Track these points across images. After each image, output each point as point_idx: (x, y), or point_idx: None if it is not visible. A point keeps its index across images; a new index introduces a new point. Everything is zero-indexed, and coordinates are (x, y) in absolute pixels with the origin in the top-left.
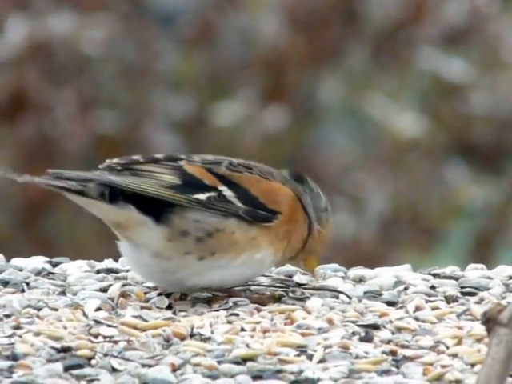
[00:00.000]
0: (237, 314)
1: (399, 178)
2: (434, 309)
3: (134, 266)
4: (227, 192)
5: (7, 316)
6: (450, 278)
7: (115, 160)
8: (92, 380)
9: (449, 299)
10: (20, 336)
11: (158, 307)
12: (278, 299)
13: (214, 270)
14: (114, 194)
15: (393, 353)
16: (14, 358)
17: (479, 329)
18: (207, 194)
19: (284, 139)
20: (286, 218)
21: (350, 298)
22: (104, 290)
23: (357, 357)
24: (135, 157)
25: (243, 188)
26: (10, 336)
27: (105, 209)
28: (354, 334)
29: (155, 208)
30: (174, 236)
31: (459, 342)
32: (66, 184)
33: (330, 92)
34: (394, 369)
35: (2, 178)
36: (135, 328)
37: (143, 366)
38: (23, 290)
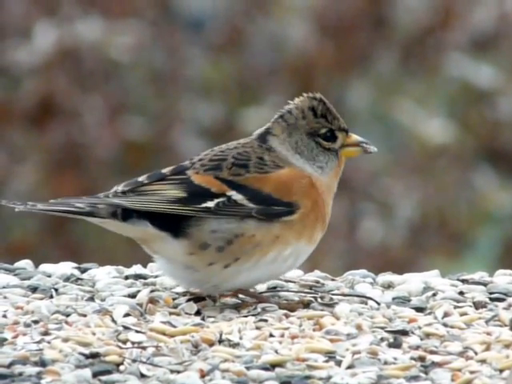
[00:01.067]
0: (265, 320)
1: (427, 184)
2: (462, 315)
3: (170, 276)
4: (236, 196)
5: (36, 322)
6: (479, 283)
7: (121, 186)
8: None
9: (477, 305)
10: (48, 342)
11: (186, 313)
12: (306, 305)
13: (243, 273)
14: (127, 213)
15: (421, 359)
16: (43, 364)
17: (508, 334)
18: (216, 201)
19: None
20: (310, 204)
21: (378, 303)
22: (132, 295)
23: (385, 363)
24: (140, 178)
25: (253, 189)
26: (39, 342)
27: (119, 226)
28: (382, 339)
29: (171, 223)
30: (195, 249)
31: (488, 348)
32: (73, 207)
33: (359, 98)
34: (422, 375)
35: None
36: (164, 334)
37: (172, 371)
38: (52, 296)
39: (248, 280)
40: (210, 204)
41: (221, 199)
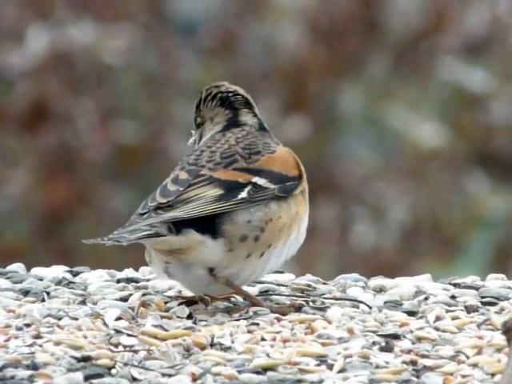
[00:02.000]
0: (257, 324)
1: (420, 188)
2: (454, 319)
3: (186, 282)
4: (260, 180)
5: (27, 325)
6: (471, 287)
7: (150, 202)
8: None
9: (469, 309)
10: (40, 345)
11: (178, 317)
12: (298, 309)
13: (272, 260)
14: (178, 226)
15: (413, 363)
16: (35, 367)
17: (499, 339)
18: (246, 190)
19: (305, 149)
20: (302, 175)
21: (370, 307)
22: (124, 299)
23: (377, 367)
24: (172, 188)
25: (267, 170)
26: (31, 345)
27: (173, 241)
28: (374, 343)
29: (208, 224)
30: (234, 245)
31: (479, 352)
32: (145, 233)
33: (351, 102)
34: (414, 379)
35: (21, 186)
36: (155, 337)
37: (163, 375)
38: (43, 300)
39: (273, 267)
40: (244, 195)
41: (249, 187)
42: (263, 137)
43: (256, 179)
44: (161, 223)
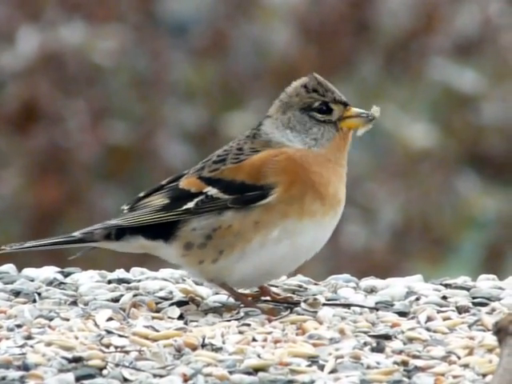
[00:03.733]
0: (248, 325)
1: (411, 188)
2: (445, 319)
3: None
4: (212, 191)
5: (19, 326)
6: (462, 288)
7: (125, 206)
8: None
9: (460, 309)
10: (31, 346)
11: (169, 317)
12: (289, 309)
13: (239, 264)
14: (121, 232)
15: (404, 363)
16: (26, 368)
17: (491, 339)
18: (195, 200)
19: None
20: (288, 179)
21: (375, 309)
22: (115, 300)
23: (368, 367)
24: (141, 194)
25: (227, 180)
26: (22, 346)
27: (115, 246)
28: (365, 344)
29: (162, 231)
30: (183, 251)
31: (471, 353)
32: (62, 238)
33: None
34: (405, 379)
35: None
36: (146, 338)
37: (154, 376)
38: (35, 300)
39: (249, 270)
40: (190, 205)
41: (200, 197)
42: (246, 144)
43: (208, 189)
44: (102, 229)
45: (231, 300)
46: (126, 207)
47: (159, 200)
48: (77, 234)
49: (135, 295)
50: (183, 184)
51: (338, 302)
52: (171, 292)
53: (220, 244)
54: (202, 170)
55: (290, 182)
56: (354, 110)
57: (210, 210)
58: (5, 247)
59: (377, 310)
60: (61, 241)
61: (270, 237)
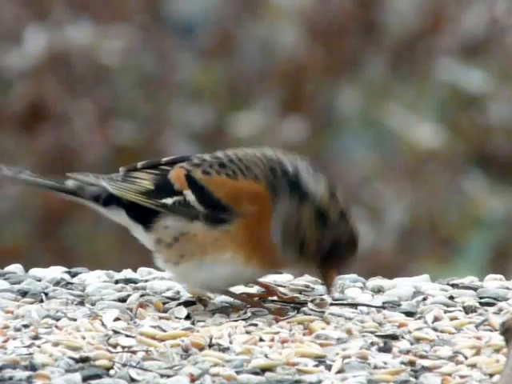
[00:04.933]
0: (255, 325)
1: (418, 188)
2: (452, 319)
3: None
4: (190, 196)
5: (26, 326)
6: (469, 288)
7: (122, 168)
8: None
9: (467, 309)
10: (38, 346)
11: (176, 317)
12: (296, 309)
13: (195, 271)
14: (110, 198)
15: (411, 363)
16: (33, 368)
17: (498, 339)
18: (175, 199)
19: (302, 150)
20: (252, 219)
21: (382, 307)
22: (122, 300)
23: (375, 367)
24: (139, 164)
25: (207, 191)
26: (29, 346)
27: (100, 211)
28: (372, 344)
29: (144, 215)
30: (154, 245)
31: (478, 353)
32: (58, 184)
33: (349, 103)
34: (412, 379)
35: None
36: (154, 338)
37: (162, 376)
38: (42, 300)
39: (202, 280)
40: (169, 201)
41: (179, 197)
42: (257, 168)
43: (187, 193)
44: (94, 186)
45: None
46: (122, 169)
47: (146, 181)
48: (70, 183)
49: (142, 295)
50: (172, 175)
51: (345, 302)
52: (178, 292)
53: (183, 249)
54: (197, 167)
55: (255, 221)
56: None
57: (183, 214)
58: (3, 167)
59: (383, 308)
60: (54, 185)
61: (222, 257)
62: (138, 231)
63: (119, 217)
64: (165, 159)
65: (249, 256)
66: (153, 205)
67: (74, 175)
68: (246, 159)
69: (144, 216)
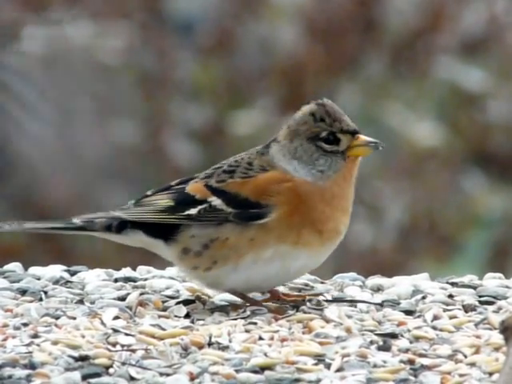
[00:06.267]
0: (255, 323)
1: (417, 187)
2: (451, 318)
3: None
4: (216, 201)
5: (25, 325)
6: (468, 286)
7: (131, 201)
8: None
9: (467, 308)
10: (38, 345)
11: (175, 316)
12: (296, 308)
13: (230, 276)
14: (122, 225)
15: (411, 362)
16: (32, 366)
17: (497, 338)
18: (198, 208)
19: None
20: (288, 209)
21: (381, 305)
22: (122, 298)
23: (375, 366)
24: (149, 192)
25: (232, 193)
26: (28, 345)
27: (115, 238)
28: (371, 342)
29: (163, 231)
30: (180, 255)
31: (477, 351)
32: (62, 224)
33: (349, 101)
34: (411, 378)
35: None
36: (153, 337)
37: (161, 374)
38: (41, 299)
39: (239, 283)
40: (193, 211)
41: (203, 205)
42: (256, 159)
43: (213, 199)
44: (103, 219)
45: (237, 299)
46: (131, 202)
47: (165, 201)
48: (77, 220)
49: (142, 294)
50: (190, 189)
51: (344, 299)
52: (178, 291)
53: (215, 255)
54: (210, 178)
55: (290, 212)
56: (363, 138)
57: (210, 220)
58: (3, 224)
59: (381, 305)
60: (60, 226)
61: (263, 256)
62: (158, 247)
63: (136, 239)
64: (173, 182)
65: (294, 241)
66: (176, 219)
67: (80, 216)
68: (240, 158)
69: (164, 232)
